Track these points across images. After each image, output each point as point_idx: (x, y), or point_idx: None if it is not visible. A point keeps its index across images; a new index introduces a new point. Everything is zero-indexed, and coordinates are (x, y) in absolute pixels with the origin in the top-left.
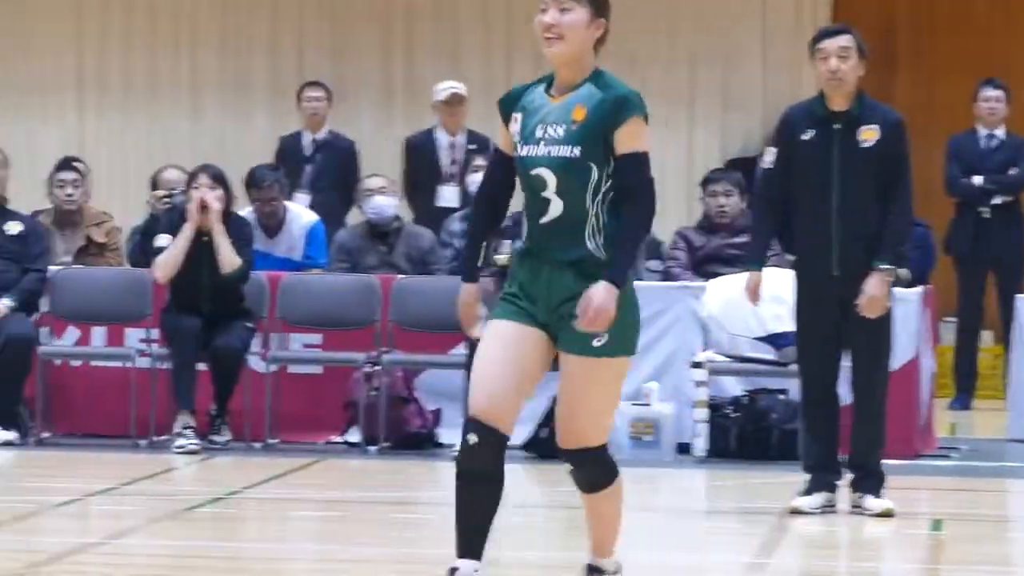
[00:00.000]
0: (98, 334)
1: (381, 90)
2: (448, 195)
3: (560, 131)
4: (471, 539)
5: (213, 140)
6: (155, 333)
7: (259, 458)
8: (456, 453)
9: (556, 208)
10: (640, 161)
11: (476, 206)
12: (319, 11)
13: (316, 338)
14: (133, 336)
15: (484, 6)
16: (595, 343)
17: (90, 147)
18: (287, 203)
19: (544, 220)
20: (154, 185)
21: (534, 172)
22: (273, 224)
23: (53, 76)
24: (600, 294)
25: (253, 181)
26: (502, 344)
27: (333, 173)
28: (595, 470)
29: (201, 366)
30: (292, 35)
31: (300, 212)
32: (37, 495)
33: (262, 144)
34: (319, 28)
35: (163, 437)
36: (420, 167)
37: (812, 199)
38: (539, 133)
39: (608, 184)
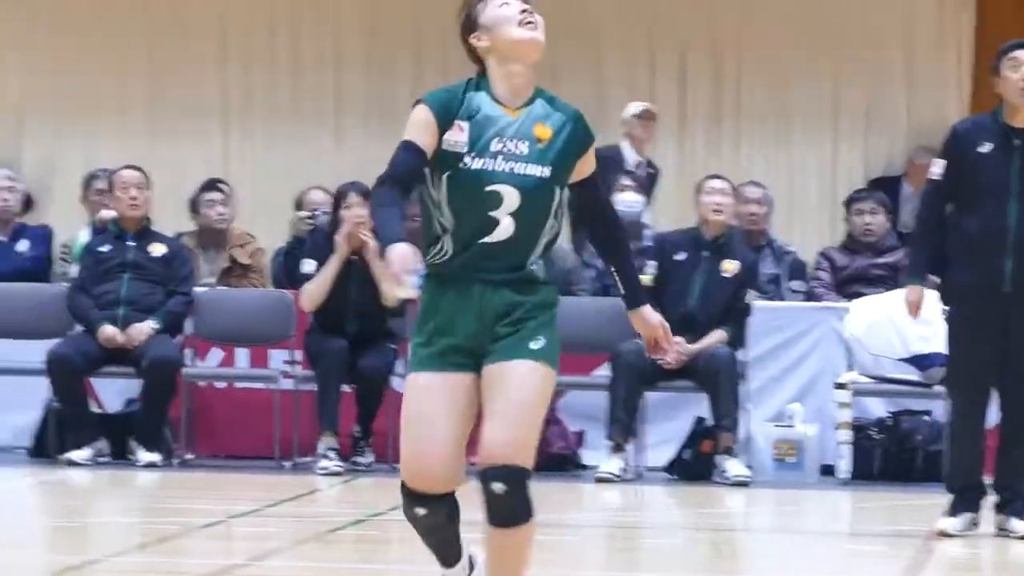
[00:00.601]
0: (242, 355)
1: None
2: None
3: (524, 148)
4: (446, 554)
5: (356, 162)
6: (299, 354)
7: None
8: (412, 512)
9: (506, 229)
10: (599, 181)
11: (391, 198)
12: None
13: None
14: (277, 357)
15: (626, 29)
16: (533, 345)
17: (234, 169)
18: None
19: (486, 240)
20: (298, 206)
21: (489, 188)
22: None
23: (198, 99)
24: (657, 318)
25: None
26: (438, 400)
27: None
28: (524, 497)
29: (344, 387)
30: (435, 57)
31: None
32: (181, 516)
33: None
34: (462, 50)
35: (307, 458)
36: None
37: (985, 214)
38: (495, 147)
39: (562, 207)
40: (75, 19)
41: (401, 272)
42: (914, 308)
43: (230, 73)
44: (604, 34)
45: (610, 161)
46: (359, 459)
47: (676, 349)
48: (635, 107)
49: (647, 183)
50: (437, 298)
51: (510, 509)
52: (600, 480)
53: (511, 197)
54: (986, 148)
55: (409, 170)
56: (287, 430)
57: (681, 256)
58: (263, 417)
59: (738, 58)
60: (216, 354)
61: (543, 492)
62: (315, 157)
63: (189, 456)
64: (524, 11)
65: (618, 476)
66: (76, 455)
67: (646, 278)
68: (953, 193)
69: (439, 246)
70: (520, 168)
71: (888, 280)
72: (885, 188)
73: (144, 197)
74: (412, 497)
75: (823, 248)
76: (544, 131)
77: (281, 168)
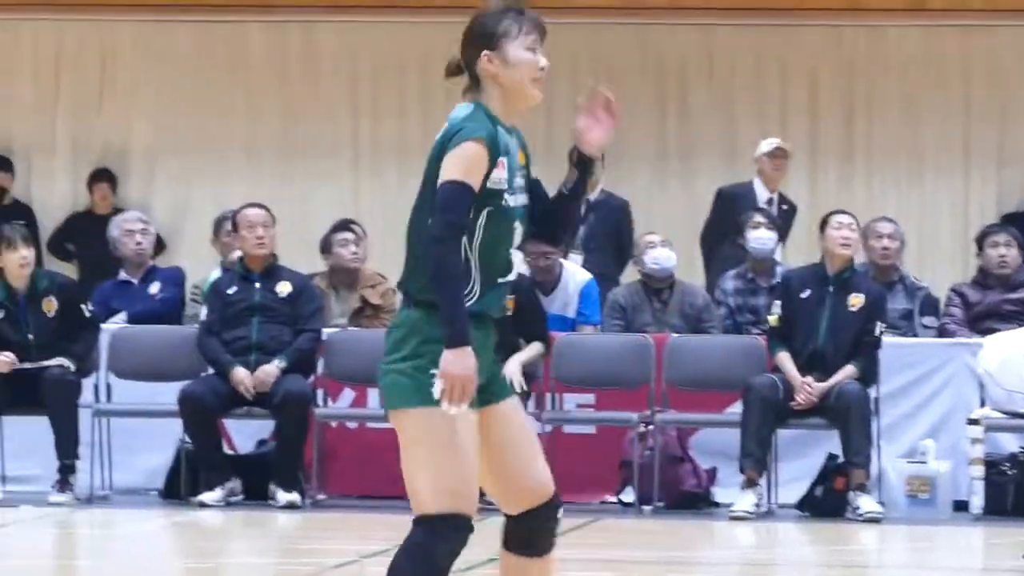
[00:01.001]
0: (373, 396)
1: (656, 149)
2: None
3: (521, 179)
4: None
5: None
6: None
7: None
8: (437, 548)
9: (515, 265)
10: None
11: (457, 264)
12: (595, 74)
13: (589, 398)
14: None
15: (757, 66)
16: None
17: (364, 209)
18: (563, 261)
19: (505, 279)
20: None
21: (516, 225)
22: (549, 281)
23: (328, 140)
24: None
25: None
26: (469, 435)
27: (606, 232)
28: (558, 521)
29: None
30: (566, 99)
31: (575, 271)
32: (314, 557)
33: None
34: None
35: None
36: (727, 218)
37: None
38: (518, 181)
39: None
40: (207, 62)
41: (463, 398)
42: None
43: (360, 114)
44: (736, 71)
45: (741, 198)
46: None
47: (806, 389)
48: (767, 144)
49: (782, 219)
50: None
51: (550, 534)
52: (734, 518)
53: (519, 232)
54: None
55: (467, 217)
56: None
57: (806, 293)
58: (393, 457)
59: (869, 93)
60: (348, 395)
61: (675, 529)
62: None
63: (321, 496)
64: (543, 69)
65: (751, 513)
66: (208, 496)
67: (772, 318)
68: None
69: (469, 286)
70: (523, 200)
71: (1021, 316)
72: (1017, 224)
73: (270, 236)
74: (469, 526)
75: (955, 284)
76: (522, 157)
77: (410, 208)
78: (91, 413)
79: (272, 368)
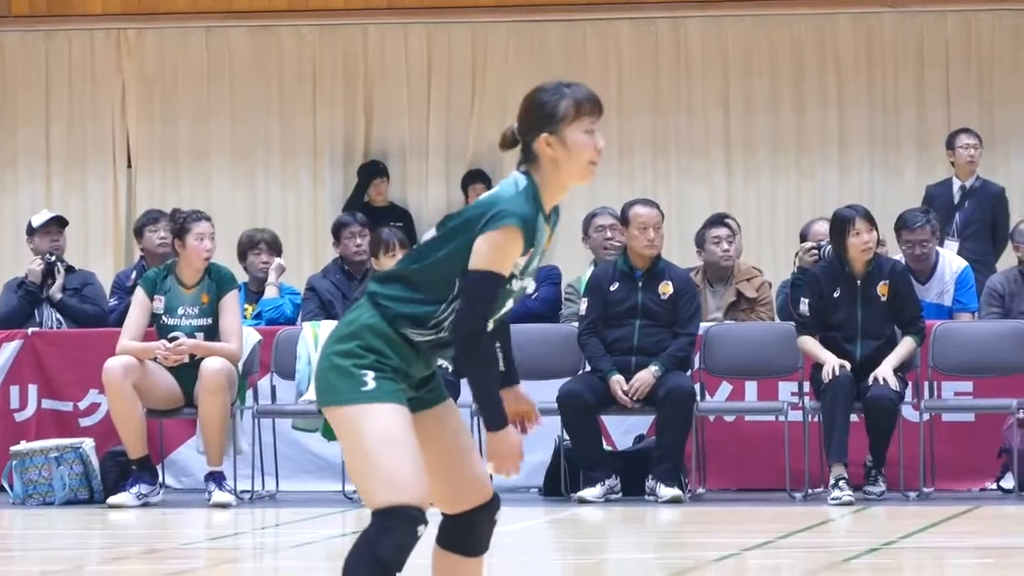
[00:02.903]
0: (750, 389)
1: None
2: None
3: (537, 264)
4: None
5: (860, 194)
6: (807, 386)
7: (914, 507)
8: (381, 542)
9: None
10: None
11: (492, 355)
12: (965, 62)
13: (968, 386)
14: (785, 389)
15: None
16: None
17: (738, 204)
18: (939, 249)
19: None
20: (803, 238)
21: (508, 303)
22: (924, 270)
23: (701, 137)
24: (529, 399)
25: (904, 223)
26: (410, 432)
27: (982, 219)
28: (495, 522)
29: (852, 417)
30: (938, 86)
31: (951, 258)
32: (696, 551)
33: (910, 197)
34: (964, 79)
35: (818, 490)
36: None
37: None
38: (532, 267)
39: None
40: (578, 62)
41: (516, 471)
42: None
43: (732, 108)
44: (996, 57)
45: None
46: (870, 488)
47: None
48: None
49: None
50: (396, 344)
51: (486, 536)
52: None
53: (506, 308)
54: None
55: (494, 305)
56: (797, 461)
57: None
58: (773, 449)
59: None
60: (725, 388)
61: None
62: (819, 190)
63: (701, 490)
64: (598, 151)
65: None
66: (588, 493)
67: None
68: None
69: (436, 329)
70: (528, 284)
71: None
72: None
73: (660, 236)
74: (413, 516)
75: None
76: (548, 239)
77: (785, 201)
78: (470, 412)
79: (647, 375)
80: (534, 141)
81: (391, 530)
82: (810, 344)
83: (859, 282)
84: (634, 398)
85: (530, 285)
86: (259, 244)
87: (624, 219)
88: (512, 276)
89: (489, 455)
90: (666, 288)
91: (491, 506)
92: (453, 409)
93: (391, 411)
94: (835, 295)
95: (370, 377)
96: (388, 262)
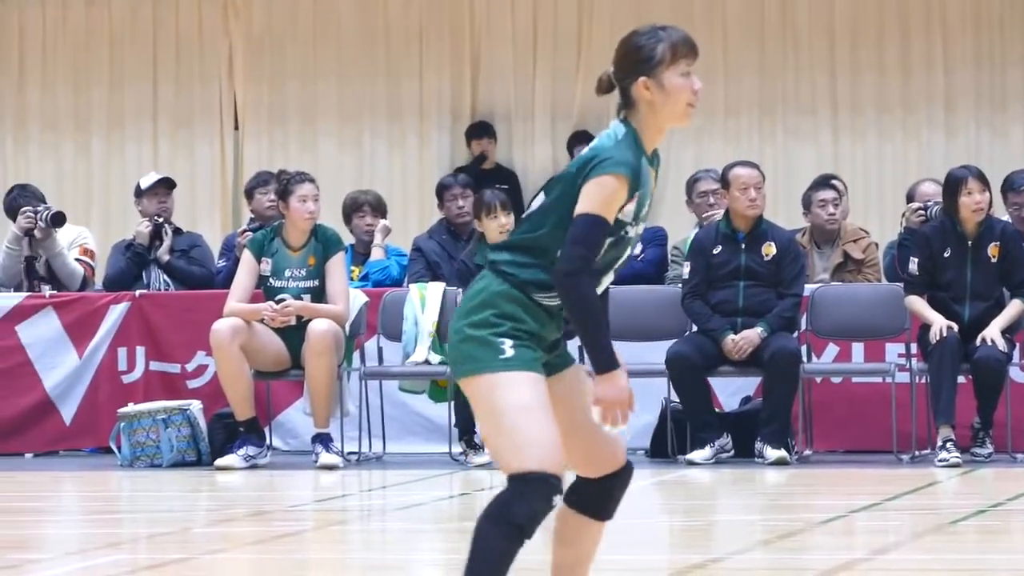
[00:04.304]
0: (857, 350)
1: None
2: None
3: (648, 207)
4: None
5: (967, 155)
6: (914, 348)
7: (1022, 469)
8: (515, 507)
9: (607, 281)
10: None
11: (596, 299)
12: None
13: None
14: (892, 351)
15: None
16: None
17: (845, 165)
18: None
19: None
20: (909, 199)
21: (627, 251)
22: None
23: (808, 95)
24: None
25: (1010, 185)
26: (539, 394)
27: None
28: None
29: (960, 378)
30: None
31: None
32: (802, 512)
33: (1017, 157)
34: None
35: (925, 451)
36: None
37: None
38: (644, 211)
39: None
40: (684, 24)
41: (624, 419)
42: None
43: (839, 74)
44: None
45: None
46: (978, 450)
47: None
48: None
49: None
50: (531, 308)
51: (618, 501)
52: None
53: (626, 256)
54: None
55: (600, 250)
56: (904, 423)
57: None
58: (880, 411)
59: None
60: (832, 350)
61: None
62: (926, 151)
63: (808, 452)
64: (696, 93)
65: None
66: (697, 455)
67: None
68: None
69: (554, 293)
70: (641, 229)
71: None
72: None
73: (762, 196)
74: (550, 484)
75: None
76: (654, 181)
77: (893, 162)
78: None
79: (753, 335)
80: (632, 85)
81: (527, 495)
82: (918, 304)
83: (970, 242)
84: (739, 356)
85: (641, 228)
86: (363, 206)
87: (724, 181)
88: (625, 224)
89: (596, 400)
90: (769, 249)
91: (624, 473)
92: (582, 373)
93: (530, 379)
94: (945, 255)
95: (508, 345)
96: (491, 224)
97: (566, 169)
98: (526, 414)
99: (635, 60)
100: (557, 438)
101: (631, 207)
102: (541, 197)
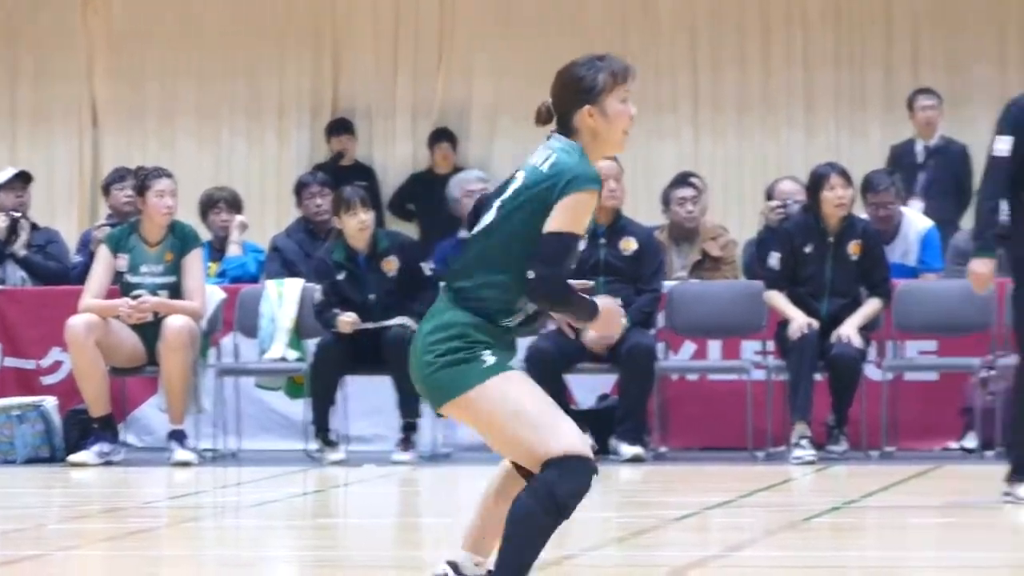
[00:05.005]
0: (714, 347)
1: (998, 99)
2: None
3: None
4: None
5: (826, 153)
6: (771, 345)
7: (876, 466)
8: (569, 488)
9: None
10: None
11: (563, 290)
12: (932, 21)
13: (931, 344)
14: (748, 348)
15: None
16: None
17: (705, 162)
18: (903, 208)
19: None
20: (768, 197)
21: (573, 264)
22: (889, 229)
23: (668, 97)
24: None
25: (869, 185)
26: (530, 385)
27: (946, 178)
28: None
29: (817, 375)
30: (904, 46)
31: (915, 218)
32: (657, 509)
33: (875, 157)
34: (932, 39)
35: (780, 448)
36: None
37: None
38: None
39: None
40: (545, 20)
41: (618, 326)
42: (986, 281)
43: (701, 71)
44: (962, 16)
45: None
46: (832, 447)
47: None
48: None
49: None
50: (498, 334)
51: None
52: None
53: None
54: None
55: (571, 266)
56: (759, 420)
57: None
58: (736, 408)
59: None
60: (688, 347)
61: None
62: (785, 150)
63: (663, 449)
64: (631, 119)
65: None
66: None
67: None
68: (1018, 169)
69: (518, 313)
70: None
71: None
72: None
73: (621, 188)
74: (592, 464)
75: None
76: None
77: (751, 161)
78: None
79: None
80: (575, 114)
81: (570, 475)
82: (778, 300)
83: (831, 239)
84: (602, 351)
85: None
86: (218, 203)
87: None
88: (582, 236)
89: (598, 327)
90: (628, 244)
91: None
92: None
93: (520, 376)
94: (806, 250)
95: (487, 355)
96: (350, 220)
97: (520, 184)
98: (540, 404)
99: (577, 90)
100: (565, 417)
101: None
102: (492, 215)
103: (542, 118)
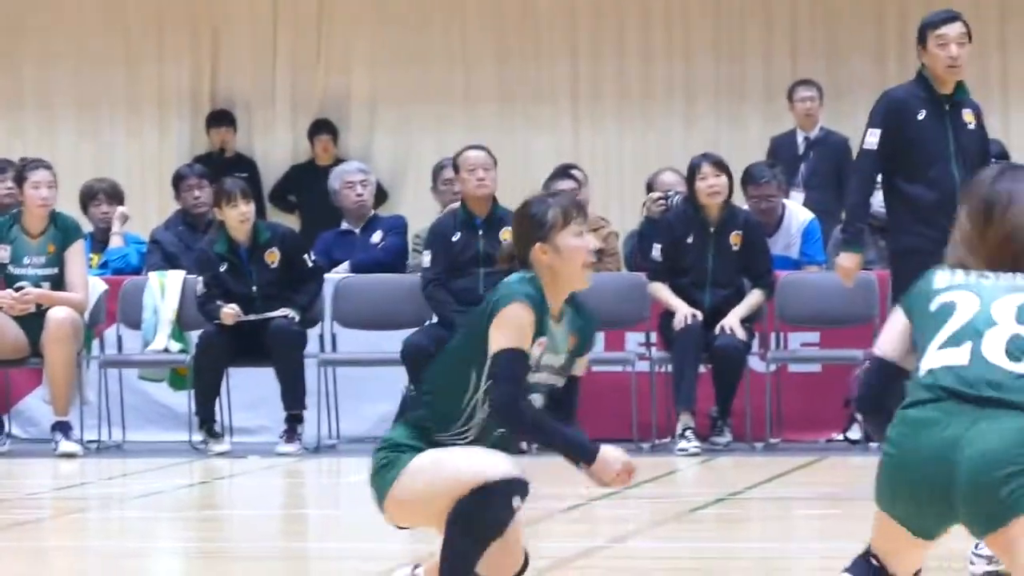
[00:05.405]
0: (598, 339)
1: (876, 90)
2: None
3: (557, 361)
4: None
5: (706, 144)
6: (655, 336)
7: (761, 458)
8: (494, 511)
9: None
10: None
11: (531, 414)
12: (811, 12)
13: (814, 336)
14: (633, 340)
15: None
16: None
17: (585, 154)
18: (784, 201)
19: (502, 431)
20: (649, 188)
21: (531, 398)
22: (771, 222)
23: (548, 87)
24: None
25: (750, 178)
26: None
27: (827, 170)
28: None
29: (701, 367)
30: (784, 37)
31: (797, 210)
32: (543, 501)
33: (756, 148)
34: (812, 30)
35: (665, 440)
36: None
37: (931, 179)
38: (546, 361)
39: None
40: (423, 11)
41: (626, 480)
42: (851, 274)
43: (581, 61)
44: (842, 7)
45: None
46: (717, 439)
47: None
48: None
49: None
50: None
51: None
52: None
53: (536, 403)
54: (922, 115)
55: (526, 380)
56: (644, 412)
57: None
58: (620, 400)
59: None
60: None
61: None
62: (665, 141)
63: None
64: (591, 252)
65: None
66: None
67: None
68: (889, 162)
69: (464, 430)
70: (552, 380)
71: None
72: None
73: (491, 178)
74: (519, 484)
75: None
76: (572, 341)
77: (632, 152)
78: (316, 363)
79: None
80: (530, 251)
81: (504, 501)
82: (662, 291)
83: (712, 229)
84: None
85: (543, 376)
86: (99, 194)
87: (455, 167)
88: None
89: (601, 483)
90: (507, 235)
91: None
92: None
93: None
94: (688, 241)
95: (411, 455)
96: (231, 212)
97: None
98: (452, 454)
99: (529, 227)
100: (482, 454)
101: (536, 352)
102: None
103: (505, 258)
